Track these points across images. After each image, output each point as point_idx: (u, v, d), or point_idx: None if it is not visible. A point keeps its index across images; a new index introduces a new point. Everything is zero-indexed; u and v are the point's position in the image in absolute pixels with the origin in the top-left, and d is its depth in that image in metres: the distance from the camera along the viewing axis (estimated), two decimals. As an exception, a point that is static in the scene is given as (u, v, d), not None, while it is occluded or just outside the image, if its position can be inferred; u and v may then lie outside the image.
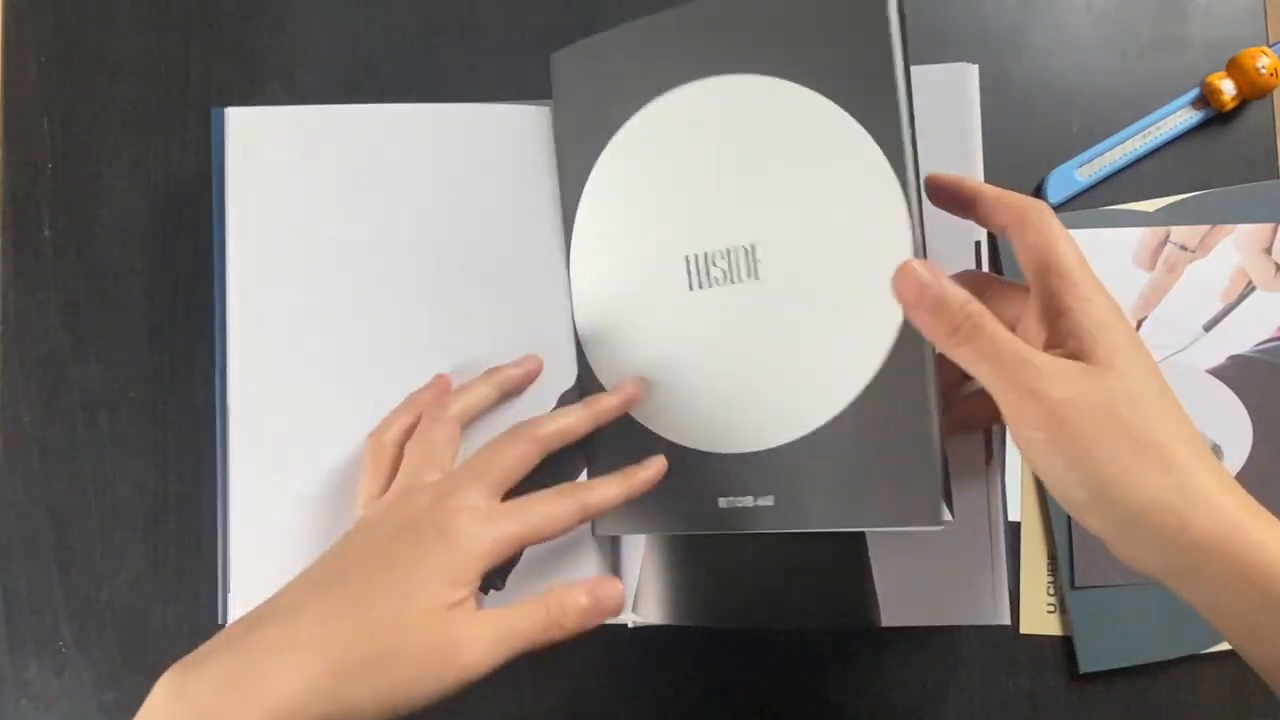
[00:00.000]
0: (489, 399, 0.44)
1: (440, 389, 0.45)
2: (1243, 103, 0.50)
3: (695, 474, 0.42)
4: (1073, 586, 0.48)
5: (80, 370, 0.50)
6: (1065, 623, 0.48)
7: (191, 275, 0.50)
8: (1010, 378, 0.32)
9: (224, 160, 0.45)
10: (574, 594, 0.39)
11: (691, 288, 0.42)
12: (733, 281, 0.41)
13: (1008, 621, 0.43)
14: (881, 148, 0.37)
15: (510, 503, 0.39)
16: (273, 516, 0.44)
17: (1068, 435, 0.31)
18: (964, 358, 0.33)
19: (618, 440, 0.44)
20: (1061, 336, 0.34)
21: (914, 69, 0.37)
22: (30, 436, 0.50)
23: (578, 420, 0.43)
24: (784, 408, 0.40)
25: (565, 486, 0.40)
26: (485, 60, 0.52)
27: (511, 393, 0.45)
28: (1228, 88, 0.49)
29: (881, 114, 0.37)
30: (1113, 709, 0.48)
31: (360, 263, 0.45)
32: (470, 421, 0.44)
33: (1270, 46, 0.50)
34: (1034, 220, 0.35)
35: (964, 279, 0.37)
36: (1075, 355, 0.33)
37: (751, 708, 0.49)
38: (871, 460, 0.38)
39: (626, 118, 0.43)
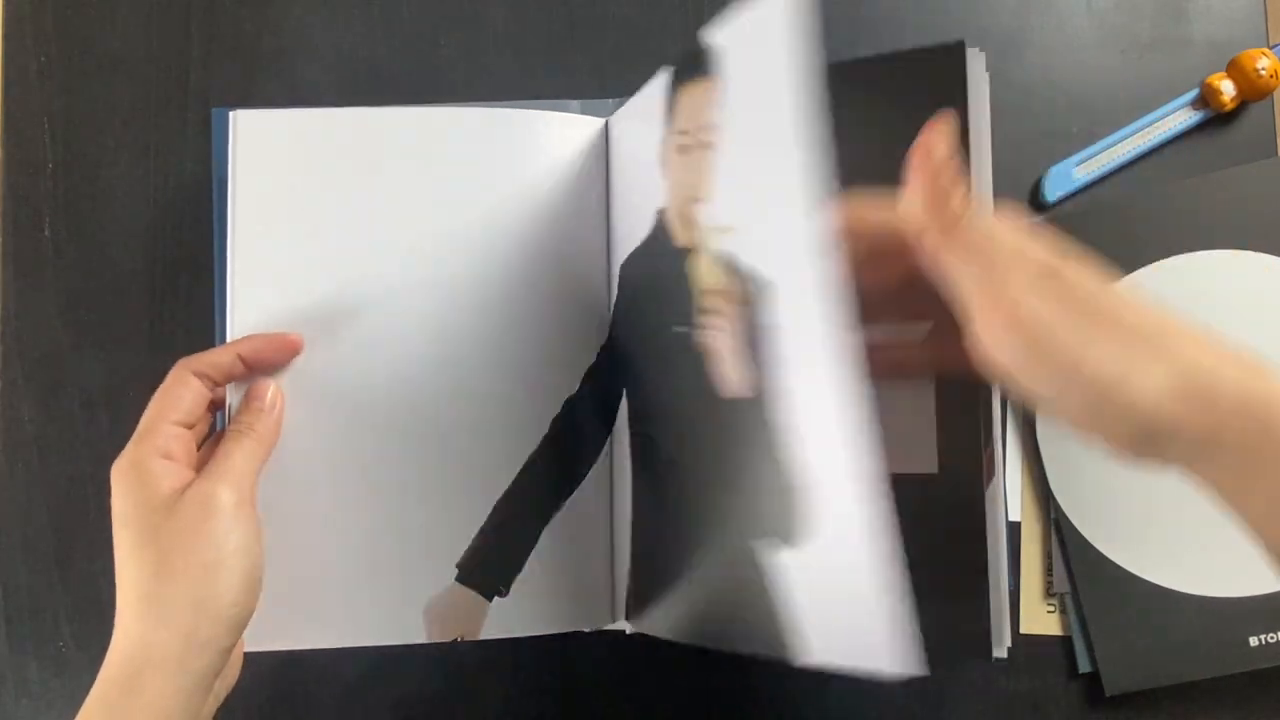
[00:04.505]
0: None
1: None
2: (1242, 103, 0.50)
3: (1222, 619, 0.47)
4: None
5: (80, 370, 0.50)
6: (1065, 623, 0.48)
7: (191, 275, 0.51)
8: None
9: (226, 160, 0.45)
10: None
11: None
12: None
13: (1005, 655, 0.41)
14: None
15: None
16: (272, 512, 0.43)
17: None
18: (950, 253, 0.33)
19: (1114, 596, 0.47)
20: None
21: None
22: (30, 436, 0.50)
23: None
24: None
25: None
26: (488, 60, 0.52)
27: (256, 367, 0.44)
28: (1227, 88, 0.49)
29: None
30: (1113, 709, 0.48)
31: (364, 267, 0.45)
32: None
33: (1270, 48, 0.49)
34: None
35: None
36: None
37: (750, 708, 0.49)
38: None
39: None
